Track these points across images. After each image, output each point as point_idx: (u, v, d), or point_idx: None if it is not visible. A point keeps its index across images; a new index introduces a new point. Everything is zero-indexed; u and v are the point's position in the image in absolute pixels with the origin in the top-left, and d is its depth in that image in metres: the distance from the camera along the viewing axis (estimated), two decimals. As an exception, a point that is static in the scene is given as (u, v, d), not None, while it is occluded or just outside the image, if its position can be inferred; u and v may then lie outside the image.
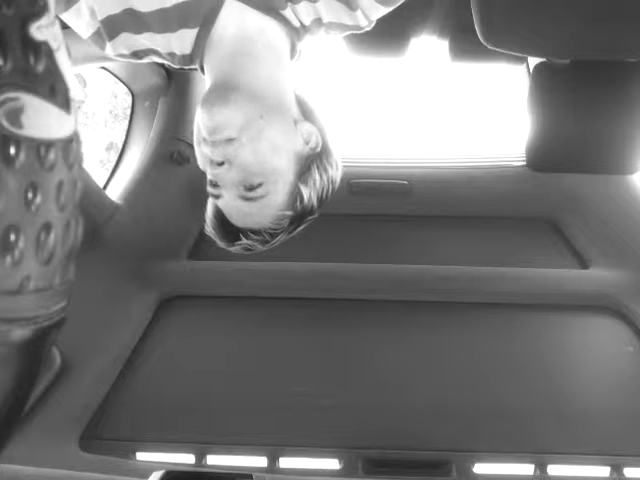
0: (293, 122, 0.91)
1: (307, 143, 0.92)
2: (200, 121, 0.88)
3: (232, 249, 0.97)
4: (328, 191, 0.96)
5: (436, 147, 2.88)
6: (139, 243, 2.24)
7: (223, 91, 0.87)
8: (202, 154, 0.91)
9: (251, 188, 0.89)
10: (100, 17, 0.91)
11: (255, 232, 0.94)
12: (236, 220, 0.94)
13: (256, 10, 0.90)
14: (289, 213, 0.93)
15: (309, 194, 0.93)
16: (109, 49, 0.96)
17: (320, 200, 0.95)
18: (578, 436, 1.95)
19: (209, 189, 0.93)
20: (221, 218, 0.95)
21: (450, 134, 3.21)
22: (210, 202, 0.97)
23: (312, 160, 0.93)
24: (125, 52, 0.96)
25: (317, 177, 0.93)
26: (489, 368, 2.10)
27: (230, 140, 0.87)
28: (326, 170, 0.94)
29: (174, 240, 2.33)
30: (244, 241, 0.94)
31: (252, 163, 0.88)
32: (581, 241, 2.34)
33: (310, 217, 0.96)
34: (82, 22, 0.93)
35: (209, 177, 0.92)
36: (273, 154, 0.89)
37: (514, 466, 1.94)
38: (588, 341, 2.22)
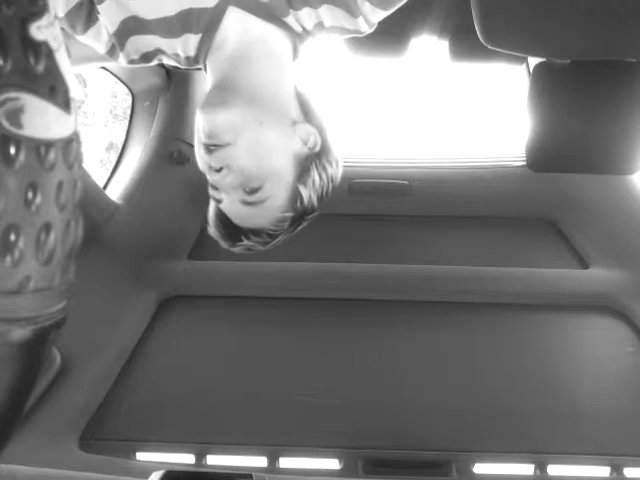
0: (291, 124, 0.91)
1: (305, 144, 0.92)
2: (199, 124, 0.89)
3: (234, 250, 0.98)
4: (328, 189, 0.96)
5: (436, 147, 2.88)
6: (139, 243, 2.24)
7: (221, 94, 0.89)
8: (202, 158, 0.92)
9: (251, 192, 0.90)
10: (112, 30, 0.94)
11: (256, 233, 0.94)
12: (238, 221, 0.95)
13: (258, 17, 0.91)
14: (289, 214, 0.93)
15: (309, 194, 0.93)
16: (122, 59, 0.99)
17: (320, 199, 0.96)
18: (578, 436, 1.95)
19: (211, 192, 0.94)
20: (223, 219, 0.96)
21: (450, 134, 3.21)
22: (212, 203, 0.98)
23: (311, 160, 0.93)
24: (135, 57, 0.99)
25: (316, 177, 0.93)
26: (489, 368, 2.10)
27: (227, 145, 0.87)
28: (325, 169, 0.94)
29: (174, 240, 2.33)
30: (245, 242, 0.95)
31: (250, 167, 0.88)
32: (581, 241, 2.34)
33: (310, 216, 0.97)
34: (101, 41, 0.97)
35: (209, 181, 0.93)
36: (271, 157, 0.90)
37: (514, 466, 1.93)
38: (588, 341, 2.22)
